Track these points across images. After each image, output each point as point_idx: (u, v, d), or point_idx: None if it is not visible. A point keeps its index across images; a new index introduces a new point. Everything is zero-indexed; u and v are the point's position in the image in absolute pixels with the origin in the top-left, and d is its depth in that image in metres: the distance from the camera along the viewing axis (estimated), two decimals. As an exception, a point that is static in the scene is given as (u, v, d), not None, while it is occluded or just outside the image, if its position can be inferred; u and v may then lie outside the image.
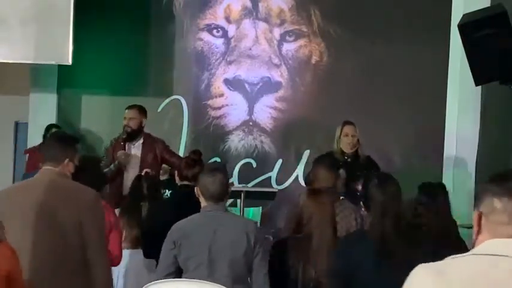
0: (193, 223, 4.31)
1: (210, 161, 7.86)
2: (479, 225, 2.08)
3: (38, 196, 3.97)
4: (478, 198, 2.11)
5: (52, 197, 3.97)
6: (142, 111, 7.10)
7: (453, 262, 2.03)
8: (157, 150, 6.96)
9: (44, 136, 7.64)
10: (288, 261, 4.33)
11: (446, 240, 5.02)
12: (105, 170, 6.81)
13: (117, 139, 7.08)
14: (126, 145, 7.03)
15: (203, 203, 4.33)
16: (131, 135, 6.98)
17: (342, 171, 6.22)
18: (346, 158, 6.63)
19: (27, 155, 7.91)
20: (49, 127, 7.81)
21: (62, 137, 4.53)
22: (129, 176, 6.69)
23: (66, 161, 4.06)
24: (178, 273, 4.28)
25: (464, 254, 2.05)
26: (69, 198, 3.99)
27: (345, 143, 6.69)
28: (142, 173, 6.58)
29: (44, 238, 3.93)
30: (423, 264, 2.05)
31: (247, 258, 4.23)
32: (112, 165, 6.81)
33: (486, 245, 2.03)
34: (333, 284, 3.85)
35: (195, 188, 4.41)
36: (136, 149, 7.01)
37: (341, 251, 3.85)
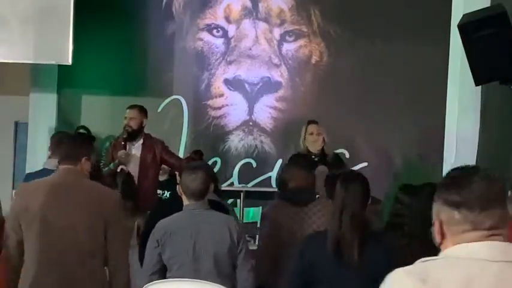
0: (176, 221, 4.34)
1: (210, 161, 7.87)
2: (442, 233, 2.03)
3: (58, 195, 3.97)
4: (435, 206, 2.05)
5: (72, 196, 3.97)
6: (143, 111, 7.10)
7: (432, 266, 1.98)
8: (157, 150, 6.96)
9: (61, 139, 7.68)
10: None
11: (428, 241, 5.02)
12: (105, 170, 6.81)
13: (117, 139, 7.07)
14: (127, 145, 7.03)
15: (185, 201, 4.37)
16: (132, 135, 6.97)
17: (323, 167, 6.22)
18: (313, 157, 6.61)
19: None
20: (77, 128, 7.86)
21: (78, 136, 4.56)
22: None
23: (84, 159, 4.06)
24: (163, 271, 4.29)
25: (439, 257, 2.00)
26: (92, 198, 3.99)
27: (310, 142, 6.69)
28: (118, 170, 6.59)
29: (62, 237, 3.93)
30: (403, 268, 2.00)
31: (232, 255, 4.27)
32: (111, 164, 6.81)
33: (464, 248, 1.98)
34: (292, 284, 3.87)
35: (177, 186, 4.44)
36: (136, 149, 7.00)
37: (300, 252, 3.88)
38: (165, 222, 4.35)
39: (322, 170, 6.14)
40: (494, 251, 1.96)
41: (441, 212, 2.03)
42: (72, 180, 4.03)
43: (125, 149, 6.90)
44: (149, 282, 4.18)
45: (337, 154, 6.84)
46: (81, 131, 7.68)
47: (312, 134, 6.70)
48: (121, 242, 4.05)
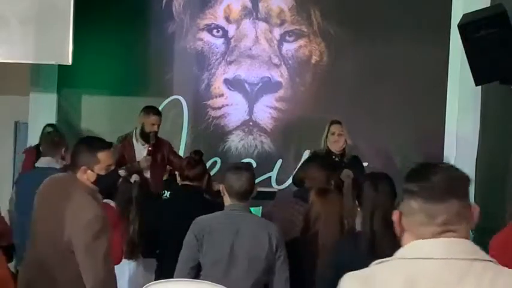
0: (216, 220, 4.25)
1: (210, 161, 7.86)
2: (400, 225, 2.02)
3: (46, 198, 3.95)
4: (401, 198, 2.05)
5: (54, 202, 3.91)
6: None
7: (379, 268, 1.98)
8: (165, 151, 7.01)
9: (41, 136, 7.69)
10: (298, 259, 4.32)
11: None
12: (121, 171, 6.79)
13: (125, 137, 7.07)
14: (135, 145, 7.02)
15: (227, 201, 4.26)
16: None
17: (348, 171, 6.24)
18: (333, 157, 6.62)
19: (24, 154, 7.88)
20: (45, 127, 7.83)
21: (83, 142, 4.23)
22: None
23: (83, 168, 3.90)
24: (199, 268, 4.22)
25: (390, 258, 1.99)
26: (66, 210, 3.86)
27: (331, 141, 6.69)
28: (132, 180, 6.55)
29: (40, 240, 3.90)
30: (350, 273, 2.01)
31: (268, 261, 4.16)
32: (129, 165, 6.79)
33: (411, 248, 1.97)
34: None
35: (221, 186, 4.35)
36: (145, 150, 7.03)
37: (332, 256, 3.87)
38: (205, 219, 4.26)
39: (347, 174, 6.17)
40: (441, 249, 1.94)
41: (401, 203, 2.02)
42: (61, 185, 3.96)
43: (150, 154, 6.92)
44: (187, 276, 4.12)
45: (355, 156, 6.81)
46: (49, 129, 7.70)
47: (333, 134, 6.71)
48: (84, 260, 3.83)
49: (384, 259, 2.00)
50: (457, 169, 2.04)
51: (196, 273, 4.20)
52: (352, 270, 3.67)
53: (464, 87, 7.42)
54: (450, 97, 7.76)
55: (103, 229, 3.86)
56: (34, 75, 8.38)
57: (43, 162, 6.18)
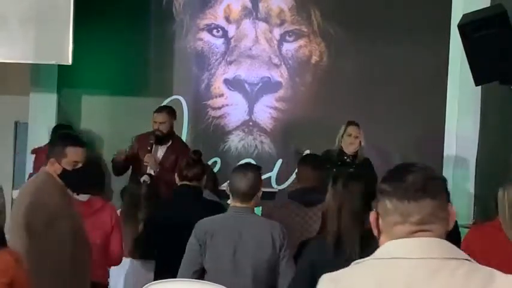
0: (218, 223, 4.21)
1: (210, 161, 7.85)
2: (377, 226, 2.03)
3: (27, 198, 3.94)
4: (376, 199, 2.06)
5: (60, 196, 3.95)
6: (172, 113, 7.01)
7: (354, 269, 1.99)
8: (181, 156, 6.91)
9: (51, 137, 7.69)
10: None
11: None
12: (114, 156, 6.73)
13: (140, 137, 6.99)
14: (153, 147, 6.91)
15: (232, 202, 4.24)
16: (161, 140, 6.90)
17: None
18: (345, 158, 6.63)
19: (34, 155, 7.86)
20: (56, 128, 7.83)
21: (58, 135, 4.41)
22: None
23: (52, 160, 3.97)
24: (203, 272, 4.18)
25: (367, 259, 2.00)
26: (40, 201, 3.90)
27: (346, 143, 6.69)
28: (141, 181, 6.50)
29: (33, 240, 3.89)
30: (327, 274, 2.02)
31: (271, 263, 4.12)
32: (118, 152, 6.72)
33: (385, 248, 1.98)
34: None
35: (226, 186, 4.32)
36: (160, 151, 6.96)
37: (302, 255, 3.88)
38: (207, 222, 4.21)
39: None
40: (415, 248, 1.95)
41: (378, 204, 2.03)
42: (37, 181, 4.00)
43: (151, 152, 6.80)
44: None
45: (367, 159, 6.81)
46: (62, 130, 7.70)
47: (350, 135, 6.71)
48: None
49: (362, 259, 2.01)
50: (432, 170, 2.05)
51: (199, 277, 4.16)
52: (319, 268, 3.67)
53: (464, 87, 7.42)
54: (450, 97, 7.76)
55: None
56: (34, 75, 8.38)
57: None
